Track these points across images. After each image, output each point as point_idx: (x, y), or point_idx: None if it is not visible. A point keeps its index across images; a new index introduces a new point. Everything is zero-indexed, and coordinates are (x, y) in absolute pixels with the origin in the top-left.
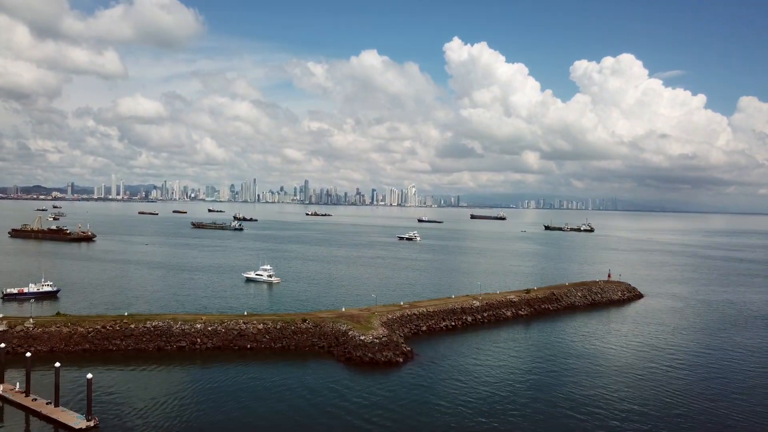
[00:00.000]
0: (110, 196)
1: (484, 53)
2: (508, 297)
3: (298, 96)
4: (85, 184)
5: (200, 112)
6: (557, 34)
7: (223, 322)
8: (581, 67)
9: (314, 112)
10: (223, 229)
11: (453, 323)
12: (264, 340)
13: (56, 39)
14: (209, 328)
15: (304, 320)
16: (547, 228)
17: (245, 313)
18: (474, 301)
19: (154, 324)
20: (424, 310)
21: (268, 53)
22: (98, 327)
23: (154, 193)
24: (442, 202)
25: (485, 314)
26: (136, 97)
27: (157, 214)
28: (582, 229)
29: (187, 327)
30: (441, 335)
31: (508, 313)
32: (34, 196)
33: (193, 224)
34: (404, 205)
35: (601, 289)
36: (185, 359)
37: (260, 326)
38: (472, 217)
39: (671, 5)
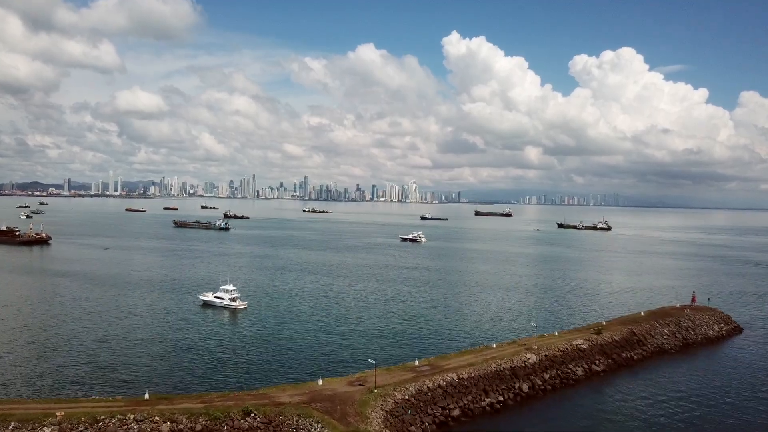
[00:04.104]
0: (108, 193)
1: (483, 47)
2: (573, 342)
3: (298, 91)
4: (85, 180)
5: (200, 107)
6: (556, 28)
7: (98, 421)
8: (581, 61)
9: (314, 107)
10: (207, 228)
11: (501, 397)
12: None
13: (50, 31)
14: None
15: (248, 413)
16: (560, 226)
17: (146, 396)
18: (528, 354)
19: None
20: (455, 376)
21: (269, 49)
22: None
23: (152, 189)
24: (443, 198)
25: (546, 376)
26: (134, 91)
27: (144, 211)
28: (598, 227)
29: None
30: (484, 423)
31: (579, 371)
32: (29, 193)
33: (175, 223)
34: (405, 202)
35: (692, 323)
36: None
37: (165, 428)
38: (477, 213)
39: None
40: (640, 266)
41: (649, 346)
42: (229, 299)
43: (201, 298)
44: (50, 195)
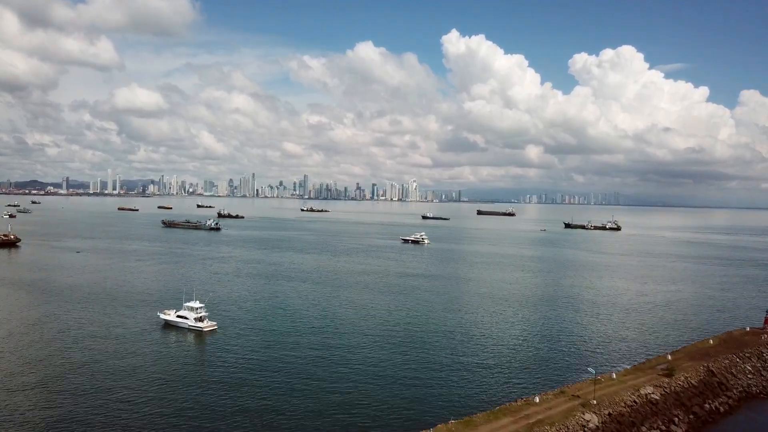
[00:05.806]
0: (107, 191)
1: (482, 46)
2: (641, 390)
3: (298, 90)
4: (84, 179)
5: (199, 105)
6: (556, 26)
7: None
8: (581, 60)
9: (314, 105)
10: (197, 228)
11: None
12: None
13: (47, 27)
14: None
15: None
16: (567, 226)
17: None
18: (586, 414)
19: None
20: None
21: (267, 47)
22: None
23: (151, 188)
24: (444, 197)
25: None
26: (133, 89)
27: (137, 210)
28: (607, 227)
29: None
30: None
31: None
32: (27, 191)
33: (164, 223)
34: (405, 200)
35: None
36: None
37: None
38: (479, 212)
39: None
40: (671, 273)
41: (733, 390)
42: (195, 319)
43: (162, 317)
44: (48, 194)
